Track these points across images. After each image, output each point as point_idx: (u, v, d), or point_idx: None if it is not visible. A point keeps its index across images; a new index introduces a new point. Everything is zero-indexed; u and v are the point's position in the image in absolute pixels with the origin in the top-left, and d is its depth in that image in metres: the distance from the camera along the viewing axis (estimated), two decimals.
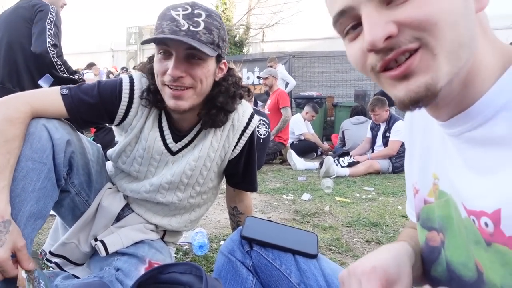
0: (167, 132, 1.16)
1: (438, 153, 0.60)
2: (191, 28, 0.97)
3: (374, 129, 4.41)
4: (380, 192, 3.14)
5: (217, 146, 1.18)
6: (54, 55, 2.41)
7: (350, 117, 5.42)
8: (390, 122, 4.22)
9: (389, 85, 0.49)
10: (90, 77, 8.63)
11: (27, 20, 2.41)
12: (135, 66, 1.18)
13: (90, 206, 1.15)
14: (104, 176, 1.22)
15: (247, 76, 9.22)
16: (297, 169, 4.27)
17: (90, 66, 9.62)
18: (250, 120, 1.21)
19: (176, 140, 1.17)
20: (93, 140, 2.78)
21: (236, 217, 1.40)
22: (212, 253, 1.66)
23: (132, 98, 1.12)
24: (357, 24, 0.49)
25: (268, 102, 5.12)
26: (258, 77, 5.12)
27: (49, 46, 2.38)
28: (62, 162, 0.99)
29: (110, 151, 1.23)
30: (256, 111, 4.26)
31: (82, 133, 1.16)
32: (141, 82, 1.13)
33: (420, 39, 0.45)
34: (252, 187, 1.35)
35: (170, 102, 1.04)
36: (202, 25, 0.98)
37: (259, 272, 0.88)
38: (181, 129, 1.18)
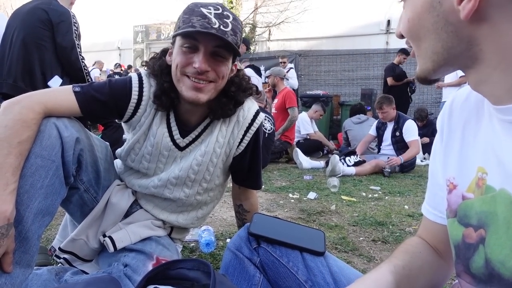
0: (174, 128, 1.18)
1: (488, 146, 0.59)
2: (221, 27, 1.00)
3: (381, 128, 4.39)
4: (387, 192, 3.13)
5: (222, 141, 1.19)
6: (80, 52, 2.53)
7: (350, 116, 5.40)
8: (400, 121, 4.19)
9: None
10: (96, 74, 8.74)
11: (44, 22, 2.45)
12: (142, 62, 1.20)
13: (98, 202, 1.17)
14: (112, 173, 1.24)
15: (256, 67, 9.22)
16: (303, 168, 4.26)
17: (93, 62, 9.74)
18: (255, 117, 1.22)
19: (183, 136, 1.19)
20: (101, 137, 2.81)
21: (242, 215, 1.41)
22: (219, 251, 1.67)
23: (141, 96, 1.14)
24: None
25: (275, 101, 5.12)
26: (266, 77, 5.13)
27: (77, 44, 2.51)
28: (71, 159, 1.01)
29: (119, 150, 1.24)
30: (262, 109, 4.27)
31: (90, 131, 1.18)
32: (149, 80, 1.16)
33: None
34: (257, 185, 1.35)
35: (189, 93, 1.05)
36: (230, 26, 1.02)
37: (267, 269, 0.88)
38: (188, 124, 1.20)
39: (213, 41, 1.00)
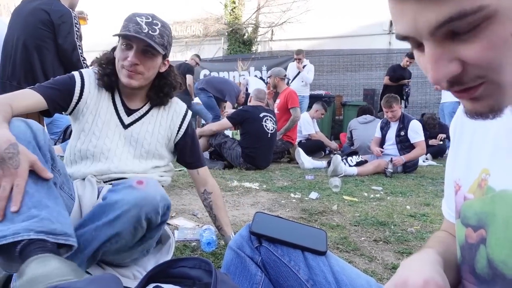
0: (120, 107, 1.44)
1: (498, 148, 0.59)
2: (150, 32, 1.32)
3: (384, 128, 4.37)
4: (389, 192, 3.12)
5: (164, 124, 1.49)
6: (82, 53, 2.54)
7: (357, 116, 5.39)
8: (405, 120, 4.18)
9: (456, 96, 0.49)
10: None
11: (46, 23, 2.44)
12: (96, 57, 1.47)
13: (74, 201, 1.23)
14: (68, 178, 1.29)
15: (255, 74, 9.20)
16: (305, 167, 4.26)
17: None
18: (186, 111, 1.57)
19: (128, 114, 1.44)
20: None
21: (207, 198, 1.60)
22: (220, 250, 1.67)
23: (83, 81, 1.41)
24: (422, 44, 0.46)
25: (277, 101, 5.11)
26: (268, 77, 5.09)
27: (78, 45, 2.52)
28: (45, 144, 1.06)
29: (67, 152, 1.41)
30: (263, 109, 4.27)
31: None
32: (88, 72, 1.44)
33: (485, 77, 0.43)
34: (202, 163, 1.62)
35: (125, 80, 1.36)
36: (158, 31, 1.34)
37: (268, 268, 0.88)
38: (131, 106, 1.45)
39: (142, 42, 1.30)
